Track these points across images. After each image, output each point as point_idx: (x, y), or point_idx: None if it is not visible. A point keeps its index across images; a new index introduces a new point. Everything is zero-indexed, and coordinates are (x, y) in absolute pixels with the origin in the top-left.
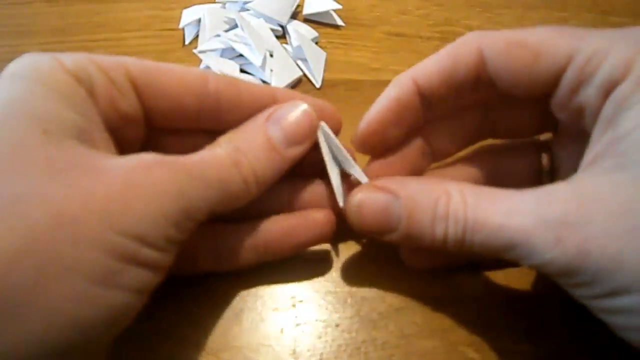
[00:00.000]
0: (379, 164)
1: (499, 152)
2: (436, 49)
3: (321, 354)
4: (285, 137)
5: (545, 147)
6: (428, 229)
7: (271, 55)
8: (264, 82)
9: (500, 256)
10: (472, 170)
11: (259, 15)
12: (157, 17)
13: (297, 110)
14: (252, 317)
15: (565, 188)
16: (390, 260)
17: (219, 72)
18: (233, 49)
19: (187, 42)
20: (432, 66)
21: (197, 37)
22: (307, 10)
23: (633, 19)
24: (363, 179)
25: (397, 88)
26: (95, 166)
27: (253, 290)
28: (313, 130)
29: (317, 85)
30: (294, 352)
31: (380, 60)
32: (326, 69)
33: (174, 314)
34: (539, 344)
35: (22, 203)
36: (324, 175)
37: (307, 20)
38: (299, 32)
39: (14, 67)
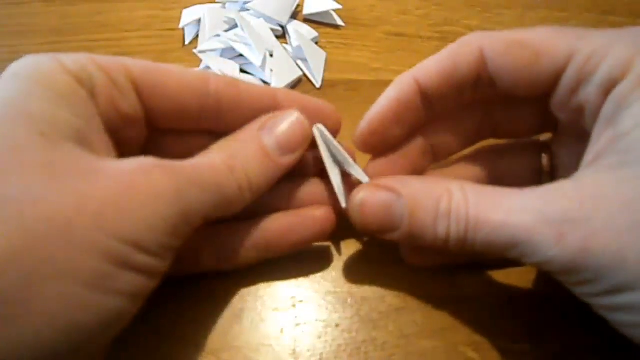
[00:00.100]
0: (379, 163)
1: (500, 152)
2: (436, 49)
3: (321, 354)
4: (279, 145)
5: (546, 147)
6: (430, 227)
7: (271, 55)
8: (264, 82)
9: (502, 255)
10: (472, 170)
11: (259, 15)
12: (157, 17)
13: (290, 119)
14: (252, 317)
15: (567, 186)
16: (391, 260)
17: (219, 72)
18: (233, 49)
19: (187, 42)
20: (433, 66)
21: (197, 37)
22: (307, 10)
23: (633, 19)
24: (364, 178)
25: (399, 87)
26: (92, 169)
27: (253, 290)
28: (306, 138)
29: (317, 85)
30: (294, 352)
31: (380, 60)
32: (326, 69)
33: (174, 313)
34: (539, 344)
35: (16, 205)
36: (324, 176)
37: (307, 20)
38: (299, 32)
39: (14, 67)
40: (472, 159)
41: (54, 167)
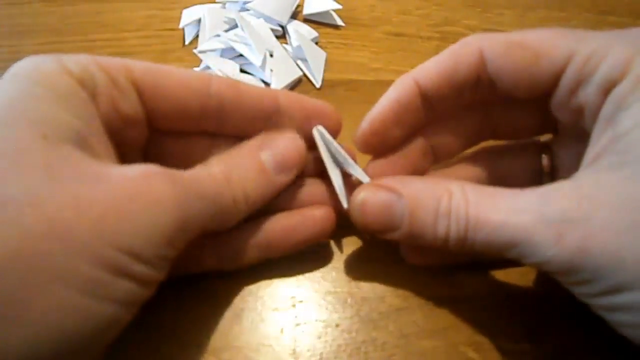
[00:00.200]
0: (379, 163)
1: (500, 153)
2: (436, 48)
3: (321, 354)
4: (276, 163)
5: (546, 147)
6: (430, 227)
7: (271, 55)
8: (264, 82)
9: (501, 255)
10: (473, 171)
11: (259, 15)
12: (157, 17)
13: (287, 139)
14: (252, 317)
15: (566, 186)
16: (391, 260)
17: (219, 72)
18: (233, 49)
19: (187, 42)
20: (433, 68)
21: (197, 37)
22: (307, 10)
23: (633, 19)
24: (364, 178)
25: (399, 89)
26: (93, 174)
27: (253, 290)
28: (302, 159)
29: (317, 85)
30: (294, 352)
31: (380, 60)
32: (326, 69)
33: (174, 313)
34: (539, 344)
35: (15, 207)
36: (325, 176)
37: (307, 20)
38: (299, 32)
39: (16, 68)
40: (472, 159)
41: (55, 169)
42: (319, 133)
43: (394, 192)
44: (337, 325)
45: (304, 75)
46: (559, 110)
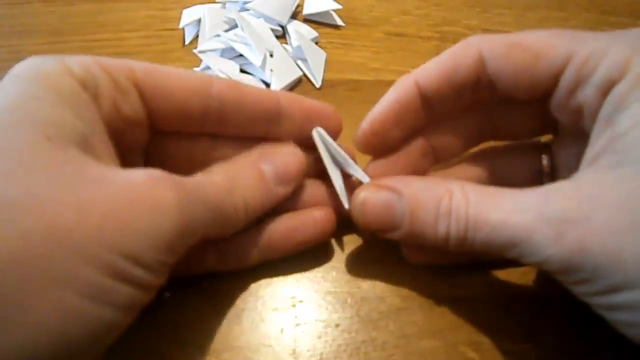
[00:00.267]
0: (379, 164)
1: (500, 154)
2: (436, 48)
3: (321, 354)
4: (276, 175)
5: (546, 148)
6: (431, 227)
7: (271, 55)
8: (264, 82)
9: (501, 254)
10: (473, 171)
11: (259, 15)
12: (157, 17)
13: (288, 152)
14: (252, 317)
15: (566, 186)
16: (391, 260)
17: (219, 72)
18: (233, 49)
19: (187, 42)
20: (432, 69)
21: (197, 37)
22: (307, 10)
23: (633, 19)
24: (364, 179)
25: (399, 89)
26: (97, 177)
27: (253, 290)
28: (302, 172)
29: (317, 85)
30: (294, 352)
31: (380, 60)
32: (326, 69)
33: (174, 313)
34: (539, 344)
35: (17, 209)
36: (325, 177)
37: (307, 20)
38: (299, 32)
39: (18, 69)
40: (473, 160)
41: (58, 171)
42: (319, 134)
43: (395, 192)
44: (337, 325)
45: (304, 75)
46: (558, 110)
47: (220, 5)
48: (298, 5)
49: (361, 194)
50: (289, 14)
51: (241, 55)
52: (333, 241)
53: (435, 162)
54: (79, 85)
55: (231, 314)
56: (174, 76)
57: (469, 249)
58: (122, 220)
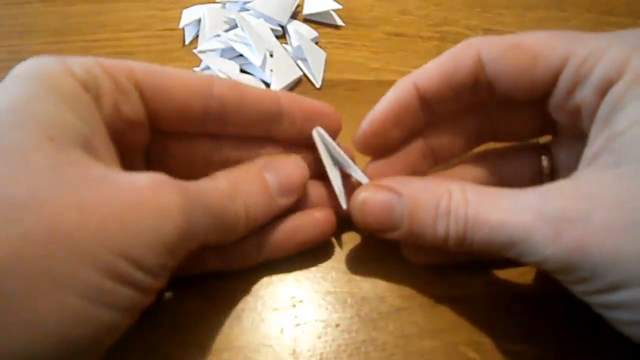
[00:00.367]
0: (379, 164)
1: (500, 155)
2: (436, 48)
3: (321, 354)
4: (279, 185)
5: (546, 149)
6: (430, 227)
7: (271, 55)
8: (264, 82)
9: (501, 254)
10: (473, 174)
11: (259, 15)
12: (157, 17)
13: (292, 163)
14: (252, 317)
15: (564, 185)
16: (391, 260)
17: (219, 72)
18: (233, 49)
19: (187, 42)
20: (431, 70)
21: (197, 37)
22: (307, 10)
23: (633, 19)
24: (363, 179)
25: (398, 91)
26: (99, 179)
27: (253, 290)
28: (304, 184)
29: (317, 85)
30: (294, 352)
31: (380, 60)
32: (326, 69)
33: (174, 314)
34: (539, 344)
35: (19, 210)
36: (325, 178)
37: (307, 20)
38: (299, 32)
39: (19, 69)
40: (473, 162)
41: (61, 172)
42: (319, 134)
43: (394, 192)
44: (337, 325)
45: (304, 75)
46: (556, 111)
47: (220, 5)
48: (298, 5)
49: (361, 195)
50: (289, 14)
51: (241, 55)
52: (334, 241)
53: (435, 164)
54: (81, 87)
55: (231, 314)
56: (175, 77)
57: (468, 249)
58: (124, 223)
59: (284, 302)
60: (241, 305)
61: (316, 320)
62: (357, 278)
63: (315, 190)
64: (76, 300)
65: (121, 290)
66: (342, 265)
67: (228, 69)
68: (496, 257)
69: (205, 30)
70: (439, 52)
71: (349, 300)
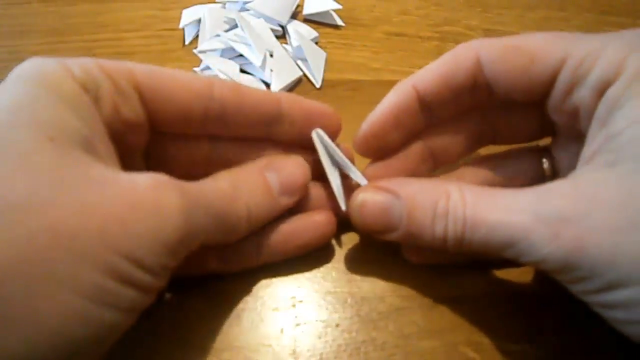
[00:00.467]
0: (378, 166)
1: (501, 159)
2: (436, 48)
3: (321, 354)
4: (281, 185)
5: (546, 152)
6: (428, 228)
7: (271, 55)
8: (264, 82)
9: (499, 254)
10: (473, 177)
11: (259, 15)
12: (157, 17)
13: (294, 164)
14: (252, 317)
15: (562, 185)
16: (391, 260)
17: (219, 72)
18: (233, 49)
19: (187, 42)
20: (430, 73)
21: (197, 37)
22: (307, 10)
23: (633, 19)
24: (362, 181)
25: (397, 93)
26: (101, 180)
27: (253, 290)
28: (306, 184)
29: (317, 85)
30: (294, 352)
31: (380, 60)
32: (326, 69)
33: (174, 314)
34: (539, 344)
35: (21, 211)
36: (324, 179)
37: (307, 20)
38: (299, 32)
39: (19, 70)
40: (473, 165)
41: (62, 173)
42: (318, 136)
43: (392, 194)
44: (337, 325)
45: (304, 75)
46: (555, 112)
47: (220, 5)
48: (298, 5)
49: (359, 196)
50: (289, 14)
51: (241, 55)
52: (333, 241)
53: (434, 166)
54: (80, 88)
55: (231, 314)
56: (175, 79)
57: (467, 250)
58: (125, 223)
59: (284, 302)
60: (241, 305)
61: (316, 320)
62: (357, 278)
63: (315, 191)
64: (78, 301)
65: (122, 290)
66: (342, 265)
67: (228, 69)
68: (495, 257)
69: (205, 30)
70: (439, 52)
71: (349, 300)
